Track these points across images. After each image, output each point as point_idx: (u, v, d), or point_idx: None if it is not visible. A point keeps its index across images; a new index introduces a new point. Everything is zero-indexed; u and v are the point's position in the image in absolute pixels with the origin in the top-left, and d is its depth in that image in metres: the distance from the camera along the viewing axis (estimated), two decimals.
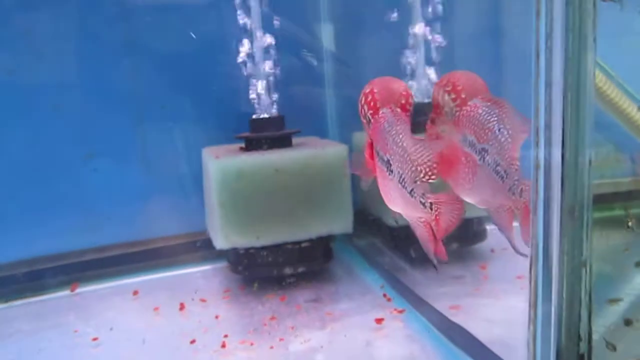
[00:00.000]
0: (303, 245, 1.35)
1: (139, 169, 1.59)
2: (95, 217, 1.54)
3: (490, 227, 1.46)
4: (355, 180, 1.40)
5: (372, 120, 0.92)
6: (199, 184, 1.52)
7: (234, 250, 1.34)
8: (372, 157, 0.93)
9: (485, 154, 0.85)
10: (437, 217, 0.86)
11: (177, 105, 1.60)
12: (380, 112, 0.91)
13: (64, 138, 1.52)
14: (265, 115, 1.42)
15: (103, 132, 1.54)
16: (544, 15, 0.70)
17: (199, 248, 1.55)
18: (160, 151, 1.59)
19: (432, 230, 0.88)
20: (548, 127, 0.74)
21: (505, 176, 0.84)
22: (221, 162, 1.29)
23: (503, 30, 1.54)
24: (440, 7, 1.42)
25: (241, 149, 1.43)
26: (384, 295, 1.28)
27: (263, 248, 1.32)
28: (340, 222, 1.36)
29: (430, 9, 1.42)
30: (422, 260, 1.38)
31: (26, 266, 1.46)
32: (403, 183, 0.86)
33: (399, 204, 0.89)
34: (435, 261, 0.91)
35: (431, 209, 0.85)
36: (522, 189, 0.83)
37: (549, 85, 0.73)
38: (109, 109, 1.54)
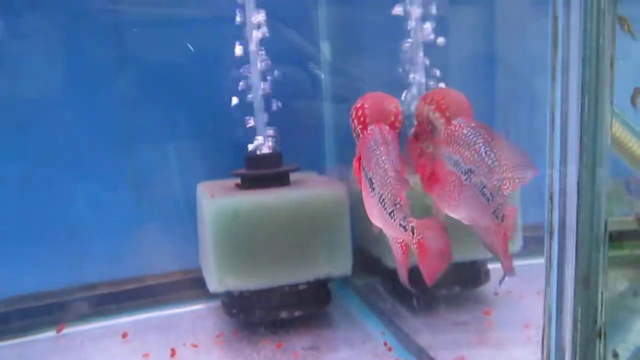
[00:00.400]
0: (300, 287, 1.30)
1: (129, 199, 1.53)
2: (83, 251, 1.48)
3: (492, 268, 1.42)
4: (354, 219, 1.36)
5: (360, 136, 0.93)
6: (193, 216, 1.47)
7: (228, 292, 1.29)
8: (359, 171, 0.94)
9: (472, 175, 0.84)
10: (421, 241, 0.85)
11: (171, 133, 1.55)
12: (369, 128, 0.92)
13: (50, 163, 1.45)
14: (262, 152, 1.38)
15: (91, 158, 1.49)
16: (560, 77, 0.66)
17: (191, 286, 1.50)
18: (151, 181, 1.54)
19: (409, 252, 0.89)
20: (563, 192, 0.70)
21: (491, 199, 0.82)
22: (216, 202, 1.25)
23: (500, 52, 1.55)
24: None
25: (237, 185, 1.39)
26: (385, 344, 1.22)
27: (258, 291, 1.27)
28: (339, 265, 1.31)
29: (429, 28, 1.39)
30: (423, 306, 1.34)
31: (8, 305, 1.40)
32: (383, 203, 0.87)
33: (380, 222, 0.90)
34: (407, 285, 0.92)
35: (413, 232, 0.85)
36: (504, 215, 0.81)
37: (564, 149, 0.69)
38: (98, 131, 1.49)
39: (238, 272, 1.24)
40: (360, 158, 0.93)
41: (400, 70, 1.39)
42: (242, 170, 1.37)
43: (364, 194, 0.93)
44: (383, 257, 1.37)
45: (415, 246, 0.86)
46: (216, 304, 1.45)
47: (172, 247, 1.54)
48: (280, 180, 1.35)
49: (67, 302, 1.44)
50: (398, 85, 1.41)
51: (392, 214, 0.86)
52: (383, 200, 0.87)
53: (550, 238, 0.72)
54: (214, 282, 1.25)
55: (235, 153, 1.44)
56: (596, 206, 0.68)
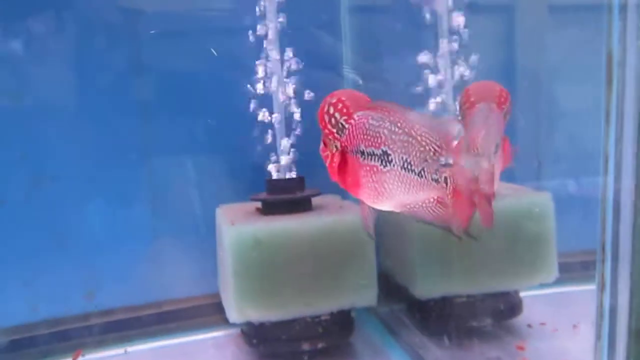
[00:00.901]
0: (323, 318, 1.25)
1: (147, 217, 1.50)
2: (98, 275, 1.45)
3: (523, 296, 1.35)
4: (379, 245, 1.30)
5: (347, 126, 0.92)
6: (212, 240, 1.43)
7: (249, 322, 1.24)
8: (341, 168, 0.95)
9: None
10: (455, 189, 0.84)
11: (191, 151, 1.52)
12: (355, 115, 0.92)
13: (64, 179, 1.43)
14: (284, 176, 1.33)
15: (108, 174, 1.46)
16: (614, 119, 0.60)
17: (210, 313, 1.45)
18: (170, 203, 1.51)
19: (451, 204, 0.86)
20: (615, 243, 0.64)
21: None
22: (236, 229, 1.20)
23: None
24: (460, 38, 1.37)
25: (257, 209, 1.34)
26: None
27: (280, 322, 1.23)
28: (364, 295, 1.25)
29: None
30: (450, 338, 1.28)
31: (23, 332, 1.37)
32: (409, 167, 0.85)
33: (400, 195, 0.89)
34: (460, 234, 0.87)
35: (447, 183, 0.84)
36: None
37: (617, 193, 0.63)
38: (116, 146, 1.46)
39: (259, 302, 1.19)
40: (342, 154, 0.94)
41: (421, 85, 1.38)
42: (263, 195, 1.33)
43: (368, 179, 0.91)
44: (410, 286, 1.32)
45: (450, 196, 0.84)
46: (236, 331, 1.41)
47: (191, 270, 1.51)
48: (303, 205, 1.30)
49: (83, 328, 1.41)
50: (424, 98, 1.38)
51: (422, 173, 0.85)
52: (409, 164, 0.85)
53: (602, 291, 0.66)
54: (234, 313, 1.21)
55: (256, 173, 1.40)
56: None
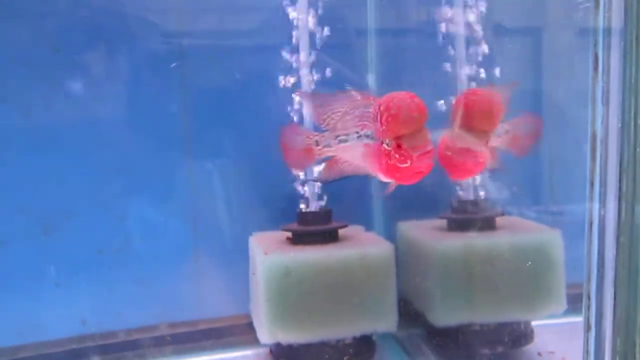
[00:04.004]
0: (347, 342, 1.35)
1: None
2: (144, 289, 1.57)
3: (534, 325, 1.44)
4: (399, 271, 1.40)
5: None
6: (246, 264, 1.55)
7: (277, 343, 1.35)
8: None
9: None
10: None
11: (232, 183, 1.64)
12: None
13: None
14: (313, 209, 1.45)
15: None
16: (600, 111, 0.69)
17: (238, 332, 1.57)
18: (210, 226, 1.63)
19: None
20: (600, 289, 0.74)
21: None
22: (269, 259, 1.32)
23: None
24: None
25: (288, 239, 1.46)
26: None
27: (306, 344, 1.33)
28: (385, 321, 1.35)
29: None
30: None
31: (58, 346, 1.47)
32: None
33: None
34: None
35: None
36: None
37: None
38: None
39: (288, 326, 1.31)
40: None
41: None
42: (294, 226, 1.44)
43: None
44: (428, 313, 1.42)
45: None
46: (265, 350, 1.52)
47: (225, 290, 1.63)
48: (330, 236, 1.42)
49: (122, 343, 1.53)
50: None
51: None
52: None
53: (587, 333, 0.76)
54: (265, 335, 1.32)
55: (289, 201, 1.50)
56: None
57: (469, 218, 1.44)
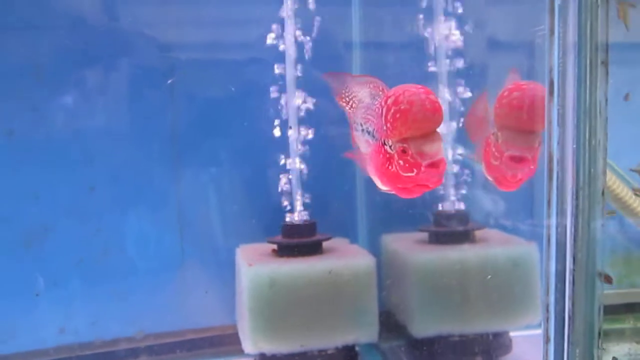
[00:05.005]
0: (329, 352, 1.38)
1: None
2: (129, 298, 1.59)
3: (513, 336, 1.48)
4: (381, 285, 1.44)
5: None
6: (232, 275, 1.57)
7: (262, 353, 1.38)
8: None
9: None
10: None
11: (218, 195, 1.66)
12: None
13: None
14: (297, 221, 1.49)
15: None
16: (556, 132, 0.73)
17: (225, 342, 1.60)
18: (198, 237, 1.65)
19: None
20: (558, 302, 0.77)
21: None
22: (254, 270, 1.35)
23: None
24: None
25: (273, 250, 1.49)
26: None
27: (290, 353, 1.37)
28: (366, 332, 1.39)
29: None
30: None
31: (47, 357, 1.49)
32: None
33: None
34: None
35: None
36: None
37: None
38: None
39: (271, 336, 1.34)
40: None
41: None
42: (279, 238, 1.48)
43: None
44: (408, 324, 1.45)
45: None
46: None
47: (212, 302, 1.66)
48: (314, 249, 1.45)
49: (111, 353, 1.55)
50: None
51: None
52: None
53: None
54: (249, 345, 1.35)
55: (275, 212, 1.54)
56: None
57: (448, 231, 1.48)
